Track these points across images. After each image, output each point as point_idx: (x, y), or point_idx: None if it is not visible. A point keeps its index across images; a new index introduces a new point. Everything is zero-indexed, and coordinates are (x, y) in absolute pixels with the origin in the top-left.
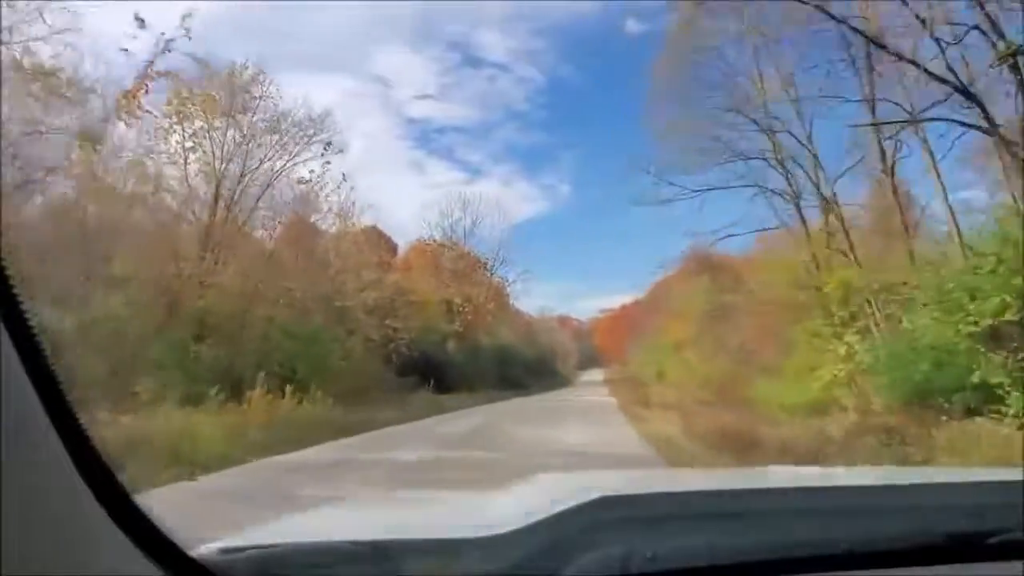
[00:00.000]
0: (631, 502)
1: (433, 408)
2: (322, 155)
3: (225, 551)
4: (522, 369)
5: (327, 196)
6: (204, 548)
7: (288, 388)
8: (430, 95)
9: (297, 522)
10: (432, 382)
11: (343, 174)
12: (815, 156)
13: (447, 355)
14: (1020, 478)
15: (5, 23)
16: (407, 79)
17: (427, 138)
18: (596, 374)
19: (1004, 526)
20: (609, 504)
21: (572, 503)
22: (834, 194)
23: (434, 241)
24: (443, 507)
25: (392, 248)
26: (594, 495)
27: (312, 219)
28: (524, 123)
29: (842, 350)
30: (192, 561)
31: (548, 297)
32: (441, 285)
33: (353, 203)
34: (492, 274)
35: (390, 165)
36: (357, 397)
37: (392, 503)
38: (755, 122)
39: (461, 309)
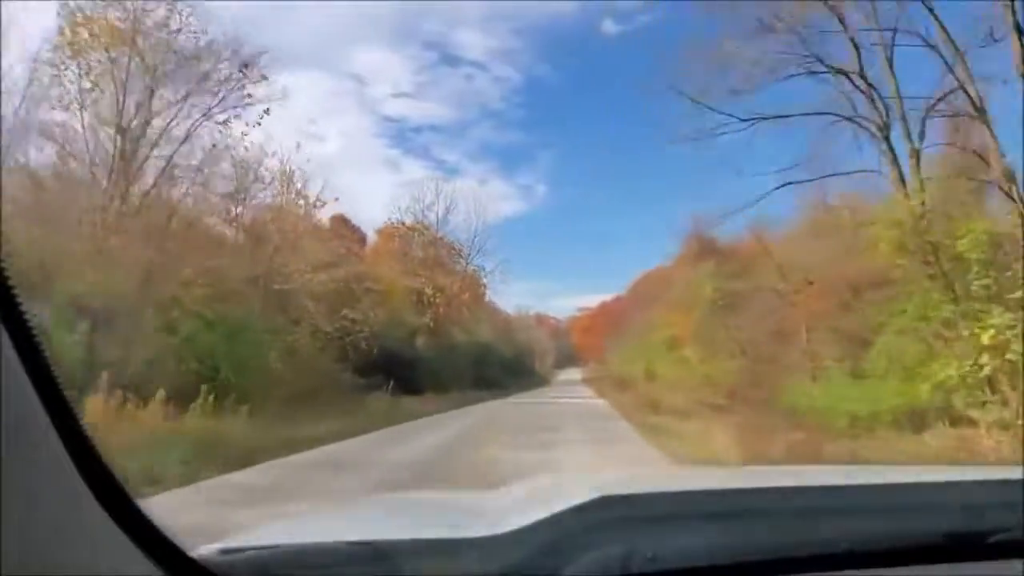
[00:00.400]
0: (631, 502)
1: (393, 415)
2: (261, 109)
3: (225, 552)
4: (499, 368)
5: (270, 156)
6: (204, 549)
7: (205, 391)
8: (407, 93)
9: (297, 523)
10: (392, 383)
11: (298, 143)
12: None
13: (415, 352)
14: (1018, 477)
15: None
16: (384, 77)
17: (403, 136)
18: (573, 373)
19: (1003, 525)
20: (609, 504)
21: (572, 503)
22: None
23: (403, 224)
24: (442, 507)
25: (361, 238)
26: (594, 495)
27: (249, 186)
28: (500, 122)
29: (986, 336)
30: (192, 562)
31: (524, 296)
32: (410, 273)
33: (301, 171)
34: (468, 263)
35: (366, 163)
36: (299, 402)
37: (391, 504)
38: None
39: (432, 300)
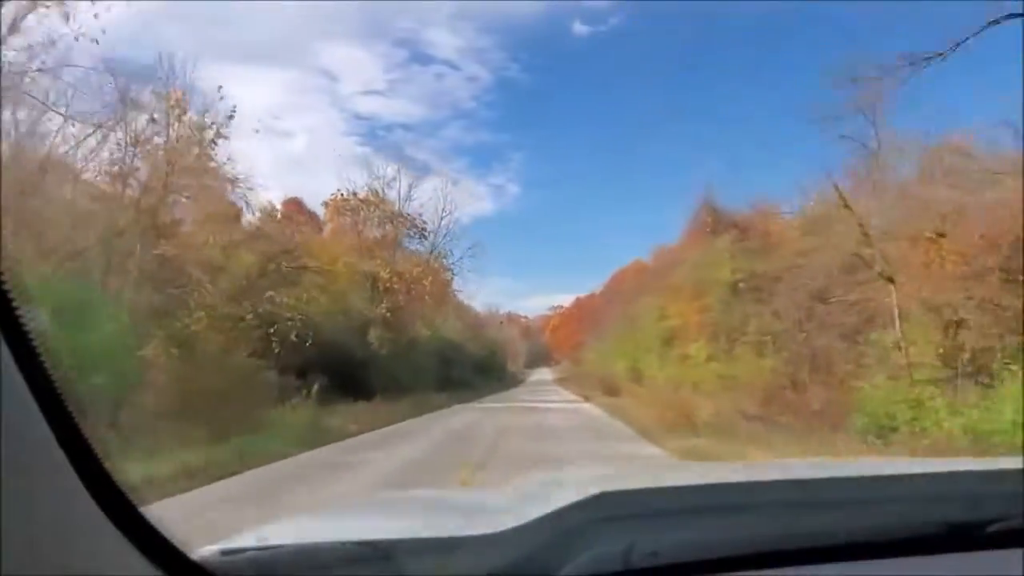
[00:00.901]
0: (631, 498)
1: (311, 435)
2: None
3: (226, 552)
4: (468, 367)
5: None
6: (205, 550)
7: None
8: (377, 91)
9: (297, 523)
10: (326, 386)
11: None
12: None
13: (367, 347)
14: (1016, 467)
15: None
16: (354, 74)
17: (374, 134)
18: (545, 373)
19: (1001, 515)
20: (609, 500)
21: (572, 500)
22: None
23: (355, 196)
24: (443, 506)
25: (319, 226)
26: (593, 491)
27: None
28: (472, 122)
29: None
30: (193, 563)
31: (495, 296)
32: (362, 252)
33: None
34: (434, 248)
35: (336, 160)
36: (176, 416)
37: (391, 503)
38: None
39: (389, 286)
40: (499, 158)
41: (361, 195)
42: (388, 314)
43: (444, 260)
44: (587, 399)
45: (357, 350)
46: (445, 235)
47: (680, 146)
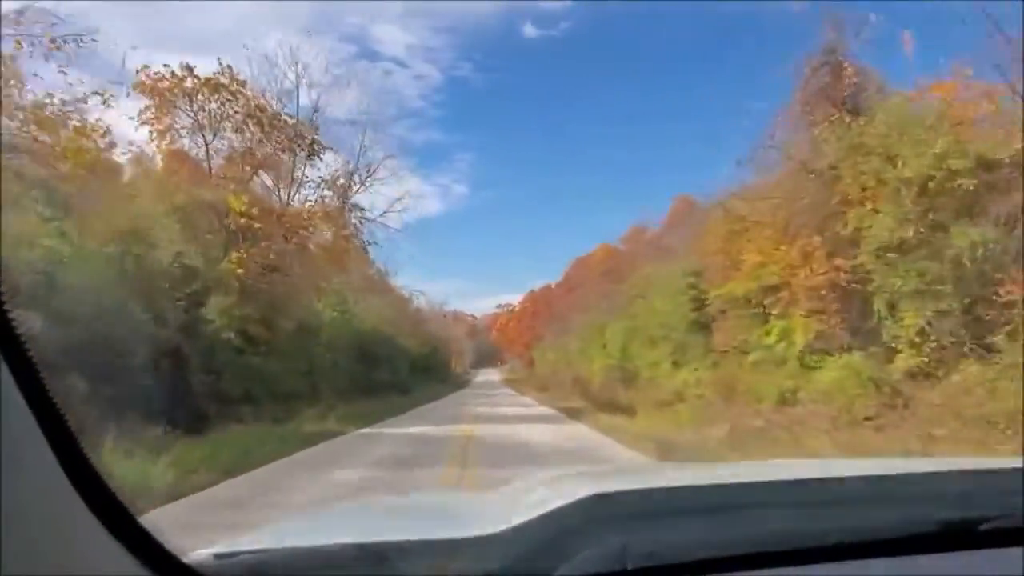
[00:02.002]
0: (626, 498)
1: None
2: None
3: (219, 556)
4: (403, 366)
5: None
6: (198, 553)
7: None
8: (322, 85)
9: (291, 526)
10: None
11: None
12: None
13: (199, 333)
14: (1008, 466)
15: None
16: (299, 68)
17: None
18: (492, 373)
19: (996, 513)
20: (604, 501)
21: (568, 500)
22: None
23: (194, 77)
24: (438, 508)
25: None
26: (589, 492)
27: None
28: (420, 121)
29: None
30: (186, 567)
31: (441, 297)
32: (215, 181)
33: None
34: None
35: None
36: None
37: (386, 505)
38: None
39: (248, 227)
40: (447, 158)
41: (207, 76)
42: (243, 273)
43: (359, 215)
44: (570, 414)
45: (174, 336)
46: (368, 177)
47: (626, 147)
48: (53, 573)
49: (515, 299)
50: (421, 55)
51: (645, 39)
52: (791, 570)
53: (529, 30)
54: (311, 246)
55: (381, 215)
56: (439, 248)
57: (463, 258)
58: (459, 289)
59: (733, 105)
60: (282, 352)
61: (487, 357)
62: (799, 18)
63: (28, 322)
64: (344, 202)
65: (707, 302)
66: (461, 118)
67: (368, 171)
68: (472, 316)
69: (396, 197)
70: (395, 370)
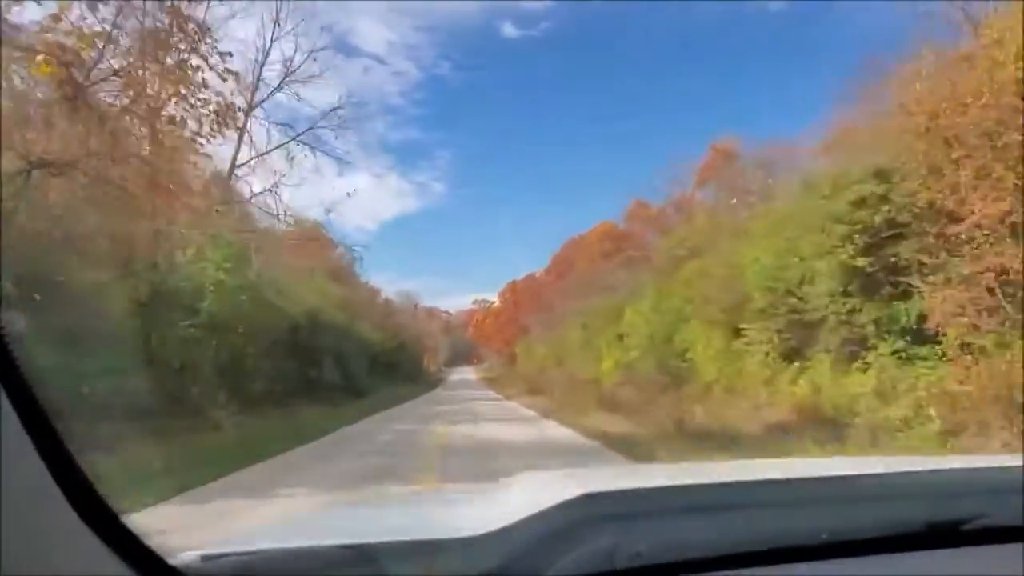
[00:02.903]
0: (615, 498)
1: None
2: None
3: (206, 558)
4: (361, 363)
5: None
6: (185, 555)
7: None
8: (299, 80)
9: (280, 527)
10: None
11: None
12: None
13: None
14: (993, 464)
15: None
16: (274, 60)
17: (295, 125)
18: (468, 372)
19: (979, 512)
20: (594, 501)
21: (557, 500)
22: None
23: None
24: (428, 508)
25: None
26: (579, 492)
27: None
28: (399, 118)
29: None
30: (173, 569)
31: (416, 293)
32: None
33: None
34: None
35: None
36: None
37: (374, 505)
38: None
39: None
40: (425, 156)
41: None
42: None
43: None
44: (541, 409)
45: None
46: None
47: (606, 146)
48: (38, 572)
49: (493, 296)
50: (401, 52)
51: (625, 39)
52: (779, 569)
53: (510, 30)
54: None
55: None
56: (418, 247)
57: (440, 256)
58: (436, 287)
59: (712, 103)
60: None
61: (462, 355)
62: (778, 17)
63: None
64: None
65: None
66: (439, 115)
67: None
68: (447, 312)
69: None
70: (347, 367)
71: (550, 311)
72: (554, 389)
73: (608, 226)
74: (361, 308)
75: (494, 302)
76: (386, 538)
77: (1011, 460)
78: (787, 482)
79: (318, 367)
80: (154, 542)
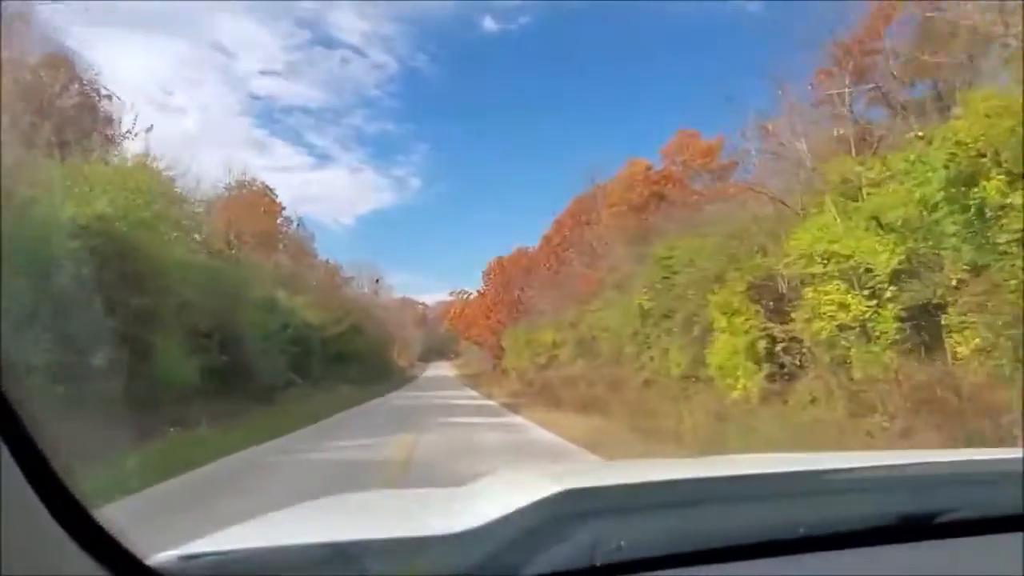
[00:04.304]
0: (596, 494)
1: None
2: None
3: (184, 558)
4: (315, 358)
5: None
6: (162, 556)
7: None
8: (276, 72)
9: (258, 525)
10: None
11: None
12: None
13: None
14: (965, 458)
15: None
16: (252, 52)
17: (271, 117)
18: (444, 367)
19: (951, 506)
20: (574, 497)
21: (536, 497)
22: None
23: None
24: (406, 506)
25: None
26: (557, 488)
27: None
28: (376, 111)
29: None
30: (150, 569)
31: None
32: None
33: None
34: None
35: (228, 142)
36: None
37: (354, 503)
38: None
39: None
40: (402, 150)
41: None
42: None
43: None
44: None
45: None
46: None
47: (583, 141)
48: (5, 573)
49: (472, 288)
50: (379, 44)
51: (604, 34)
52: (758, 563)
53: (488, 24)
54: None
55: None
56: (394, 242)
57: (417, 251)
58: (414, 284)
59: (691, 98)
60: None
61: (438, 349)
62: (756, 18)
63: None
64: None
65: None
66: (418, 109)
67: None
68: (422, 303)
69: None
70: (271, 361)
71: (555, 289)
72: (612, 405)
73: (638, 166)
74: (320, 297)
75: (472, 293)
76: (364, 536)
77: (983, 454)
78: (765, 477)
79: (241, 361)
80: (131, 542)
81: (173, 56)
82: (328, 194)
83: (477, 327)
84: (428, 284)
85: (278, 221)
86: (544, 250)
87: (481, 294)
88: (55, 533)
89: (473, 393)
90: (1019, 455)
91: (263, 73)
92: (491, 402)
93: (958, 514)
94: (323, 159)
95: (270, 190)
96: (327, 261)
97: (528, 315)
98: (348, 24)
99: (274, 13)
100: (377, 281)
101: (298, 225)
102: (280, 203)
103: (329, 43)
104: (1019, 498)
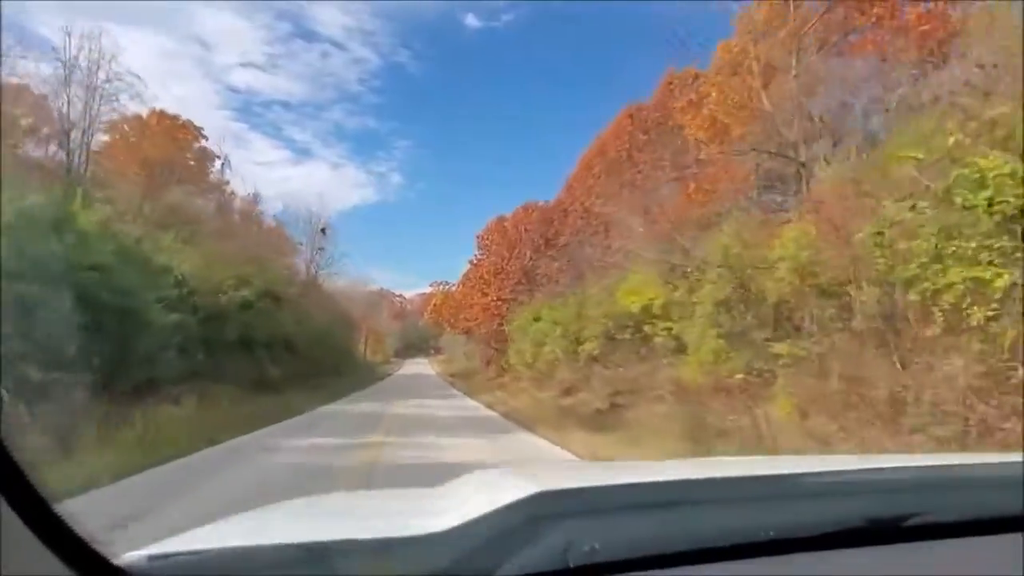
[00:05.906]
0: (569, 496)
1: None
2: None
3: (153, 558)
4: (264, 353)
5: None
6: (131, 555)
7: None
8: (256, 65)
9: (230, 525)
10: None
11: None
12: None
13: None
14: (933, 463)
15: None
16: (230, 45)
17: (250, 111)
18: (423, 365)
19: (919, 509)
20: (548, 499)
21: (510, 498)
22: None
23: None
24: (380, 506)
25: None
26: (532, 490)
27: None
28: (357, 106)
29: None
30: (118, 570)
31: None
32: None
33: None
34: None
35: (207, 135)
36: None
37: (328, 504)
38: None
39: None
40: (384, 146)
41: None
42: None
43: None
44: None
45: None
46: None
47: (566, 139)
48: None
49: (453, 280)
50: (360, 38)
51: (587, 32)
52: (730, 565)
53: (472, 21)
54: None
55: None
56: (375, 238)
57: (398, 248)
58: (395, 281)
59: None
60: None
61: (417, 344)
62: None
63: None
64: None
65: None
66: (399, 105)
67: None
68: (400, 296)
69: None
70: (159, 354)
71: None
72: None
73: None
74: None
75: (454, 285)
76: (338, 536)
77: (950, 459)
78: (737, 480)
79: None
80: (96, 540)
81: (149, 47)
82: (308, 190)
83: (469, 310)
84: (409, 282)
85: (187, 155)
86: (556, 207)
87: (475, 264)
88: (20, 533)
89: (468, 402)
90: (986, 460)
91: (242, 65)
92: (492, 413)
93: (927, 518)
94: (303, 154)
95: (192, 125)
96: (275, 220)
97: (545, 287)
98: (329, 18)
99: (254, 5)
100: (323, 231)
101: (224, 165)
102: (198, 135)
103: (310, 37)
104: (986, 502)
